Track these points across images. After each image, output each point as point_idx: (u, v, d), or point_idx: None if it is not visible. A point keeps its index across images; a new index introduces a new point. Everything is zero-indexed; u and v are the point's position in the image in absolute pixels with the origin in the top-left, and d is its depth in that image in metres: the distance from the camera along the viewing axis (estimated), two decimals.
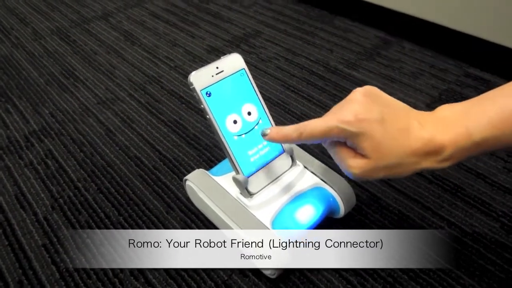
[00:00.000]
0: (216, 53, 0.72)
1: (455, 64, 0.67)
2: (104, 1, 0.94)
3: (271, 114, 0.40)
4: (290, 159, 0.41)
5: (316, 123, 0.31)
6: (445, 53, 0.70)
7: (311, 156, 0.43)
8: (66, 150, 0.54)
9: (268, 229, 0.36)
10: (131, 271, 0.40)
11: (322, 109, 0.59)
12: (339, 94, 0.61)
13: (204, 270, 0.39)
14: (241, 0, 0.91)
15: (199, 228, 0.43)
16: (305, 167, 0.42)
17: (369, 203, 0.45)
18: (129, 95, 0.63)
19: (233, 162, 0.37)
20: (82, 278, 0.39)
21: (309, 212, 0.38)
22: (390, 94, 0.67)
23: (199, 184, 0.41)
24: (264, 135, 0.34)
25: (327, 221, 0.41)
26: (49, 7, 0.93)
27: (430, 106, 0.59)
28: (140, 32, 0.80)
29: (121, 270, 0.40)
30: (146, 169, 0.51)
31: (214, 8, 0.88)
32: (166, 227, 0.44)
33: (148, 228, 0.44)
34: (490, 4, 0.61)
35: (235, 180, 0.38)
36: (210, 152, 0.53)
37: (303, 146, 0.47)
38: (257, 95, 0.39)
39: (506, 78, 0.64)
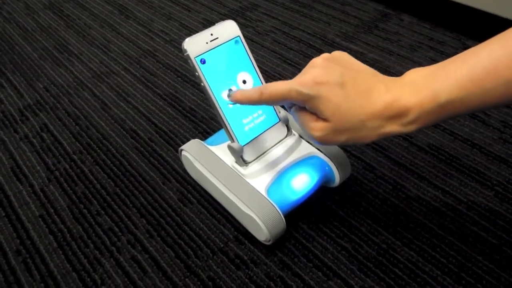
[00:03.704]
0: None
1: (453, 36, 0.66)
2: None
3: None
4: (285, 128, 0.40)
5: (277, 85, 0.31)
6: (444, 25, 0.69)
7: None
8: (61, 123, 0.54)
9: (264, 196, 0.36)
10: (128, 239, 0.40)
11: None
12: None
13: (201, 237, 0.40)
14: None
15: (195, 198, 0.44)
16: (300, 136, 0.41)
17: (364, 173, 0.45)
18: (124, 69, 0.63)
19: (228, 131, 0.37)
20: (79, 247, 0.40)
21: (304, 180, 0.39)
22: (388, 66, 0.66)
23: (195, 154, 0.41)
24: (228, 96, 0.34)
25: (322, 190, 0.42)
26: None
27: None
28: (134, 5, 0.79)
29: (119, 238, 0.40)
30: (142, 141, 0.50)
31: None
32: (162, 198, 0.44)
33: (145, 199, 0.44)
34: None
35: (230, 148, 0.37)
36: (206, 124, 0.52)
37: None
38: (252, 63, 0.38)
39: None
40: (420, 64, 0.61)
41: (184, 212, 0.42)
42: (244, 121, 0.38)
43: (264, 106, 0.39)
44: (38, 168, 0.48)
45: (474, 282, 0.36)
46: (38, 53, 0.67)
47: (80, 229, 0.41)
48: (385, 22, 0.70)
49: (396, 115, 0.28)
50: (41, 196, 0.45)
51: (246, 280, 0.37)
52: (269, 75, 0.60)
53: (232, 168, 0.39)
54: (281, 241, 0.39)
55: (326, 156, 0.40)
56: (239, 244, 0.39)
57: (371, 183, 0.44)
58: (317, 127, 0.30)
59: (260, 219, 0.35)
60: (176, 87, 0.58)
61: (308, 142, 0.41)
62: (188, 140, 0.50)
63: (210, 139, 0.44)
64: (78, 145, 0.50)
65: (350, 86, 0.29)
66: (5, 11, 0.80)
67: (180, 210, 0.43)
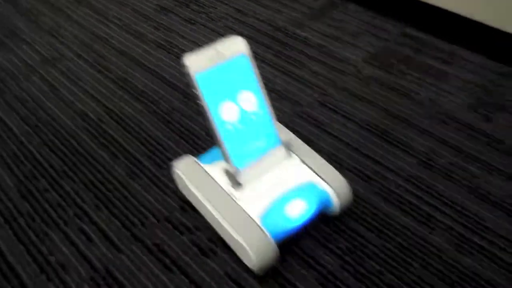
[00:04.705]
0: (165, 12, 0.72)
1: (394, 24, 0.71)
2: None
3: None
4: (286, 152, 0.39)
5: None
6: (386, 14, 0.74)
7: (310, 149, 0.42)
8: (8, 107, 0.54)
9: (257, 224, 0.35)
10: (76, 213, 0.42)
11: (267, 64, 0.61)
12: (284, 51, 0.64)
13: (147, 208, 0.42)
14: None
15: (143, 173, 0.46)
16: (302, 161, 0.40)
17: None
18: (76, 55, 0.63)
19: (224, 152, 0.35)
20: (27, 222, 0.41)
21: (301, 208, 0.37)
22: (331, 51, 0.69)
23: (187, 173, 0.40)
24: None
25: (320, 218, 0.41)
26: None
27: (366, 61, 0.63)
28: None
29: (66, 212, 0.42)
30: (92, 122, 0.52)
31: None
32: (111, 173, 0.45)
33: (93, 175, 0.45)
34: None
35: (226, 171, 0.37)
36: (157, 105, 0.54)
37: (303, 138, 0.46)
38: (257, 83, 0.37)
39: (440, 38, 0.69)
40: (361, 48, 0.65)
41: (132, 186, 0.44)
42: (242, 143, 0.36)
43: (265, 128, 0.38)
44: None
45: (392, 235, 0.40)
46: None
47: (28, 205, 0.42)
48: (332, 11, 0.74)
49: None
50: None
51: (190, 243, 0.39)
52: None
53: (226, 191, 0.37)
54: None
55: (327, 183, 0.39)
56: (183, 212, 0.42)
57: None
58: None
59: (251, 248, 0.34)
60: (128, 71, 0.60)
61: (309, 167, 0.40)
62: (139, 121, 0.51)
63: (204, 155, 0.42)
64: (26, 127, 0.51)
65: None
66: None
67: (128, 184, 0.44)
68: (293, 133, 0.51)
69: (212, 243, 0.39)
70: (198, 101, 0.35)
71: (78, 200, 0.43)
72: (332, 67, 0.61)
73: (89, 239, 0.39)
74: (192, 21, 0.70)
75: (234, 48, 0.35)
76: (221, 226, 0.37)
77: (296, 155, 0.40)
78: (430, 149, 0.49)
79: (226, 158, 0.36)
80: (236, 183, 0.36)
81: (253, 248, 0.34)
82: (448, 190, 0.45)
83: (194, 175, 0.39)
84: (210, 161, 0.40)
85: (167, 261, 0.38)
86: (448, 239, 0.40)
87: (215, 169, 0.39)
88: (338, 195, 0.39)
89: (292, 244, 0.39)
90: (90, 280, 0.37)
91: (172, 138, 0.49)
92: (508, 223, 0.42)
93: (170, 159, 0.47)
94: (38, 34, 0.67)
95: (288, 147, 0.40)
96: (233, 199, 0.37)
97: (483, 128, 0.53)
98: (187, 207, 0.42)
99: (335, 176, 0.40)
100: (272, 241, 0.35)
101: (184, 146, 0.49)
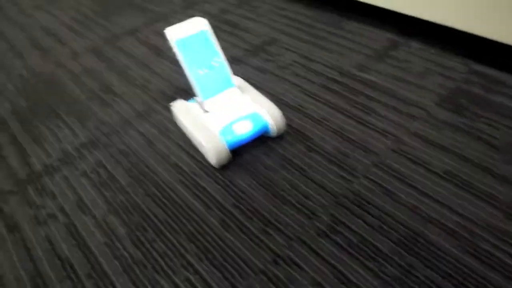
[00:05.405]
0: (236, 63, 0.78)
1: (460, 61, 0.71)
2: (130, 18, 1.02)
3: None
4: (239, 91, 0.58)
5: None
6: (450, 50, 0.74)
7: (257, 92, 0.60)
8: (113, 160, 0.62)
9: (217, 135, 0.54)
10: (182, 263, 0.47)
11: (338, 112, 0.64)
12: (354, 97, 0.67)
13: (242, 260, 0.46)
14: (256, 9, 0.97)
15: (233, 223, 0.50)
16: (251, 98, 0.58)
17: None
18: (163, 107, 0.70)
19: (195, 90, 0.56)
20: (141, 270, 0.47)
21: (247, 129, 0.56)
22: (399, 94, 0.71)
23: (178, 108, 0.61)
24: None
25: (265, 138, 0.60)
26: (82, 27, 1.01)
27: (440, 105, 0.64)
28: (167, 45, 0.87)
29: (173, 262, 0.47)
30: (185, 174, 0.58)
31: (232, 18, 0.94)
32: (206, 224, 0.51)
33: (192, 226, 0.51)
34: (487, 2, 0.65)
35: (197, 101, 0.58)
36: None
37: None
38: (216, 46, 0.57)
39: (509, 73, 0.68)
40: (431, 90, 0.66)
41: (226, 237, 0.49)
42: (207, 84, 0.57)
43: (222, 76, 0.57)
44: (98, 201, 0.56)
45: None
46: (86, 95, 0.76)
47: (140, 254, 0.49)
48: (395, 50, 0.76)
49: None
50: (103, 225, 0.52)
51: None
52: (290, 107, 0.66)
53: (199, 116, 0.57)
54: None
55: (268, 113, 0.56)
56: (276, 265, 0.45)
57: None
58: None
59: (212, 151, 0.54)
60: None
61: (256, 102, 0.58)
62: (228, 170, 0.57)
63: (191, 99, 0.62)
64: (130, 179, 0.58)
65: None
66: (53, 56, 0.90)
67: (222, 234, 0.49)
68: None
69: None
70: (178, 58, 0.52)
71: (182, 250, 0.48)
72: (401, 112, 0.63)
73: None
74: (262, 70, 0.75)
75: (199, 25, 0.56)
76: (195, 138, 0.57)
77: (248, 95, 0.59)
78: None
79: (196, 93, 0.56)
80: (204, 110, 0.57)
81: (213, 151, 0.54)
82: None
83: (181, 109, 0.61)
84: (193, 101, 0.61)
85: None
86: None
87: (195, 105, 0.60)
88: (275, 123, 0.57)
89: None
90: None
91: (259, 190, 0.54)
92: None
93: (257, 211, 0.51)
94: (129, 89, 0.76)
95: (241, 89, 0.59)
96: (203, 121, 0.57)
97: None
98: (279, 260, 0.46)
99: (274, 110, 0.57)
100: (226, 147, 0.54)
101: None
